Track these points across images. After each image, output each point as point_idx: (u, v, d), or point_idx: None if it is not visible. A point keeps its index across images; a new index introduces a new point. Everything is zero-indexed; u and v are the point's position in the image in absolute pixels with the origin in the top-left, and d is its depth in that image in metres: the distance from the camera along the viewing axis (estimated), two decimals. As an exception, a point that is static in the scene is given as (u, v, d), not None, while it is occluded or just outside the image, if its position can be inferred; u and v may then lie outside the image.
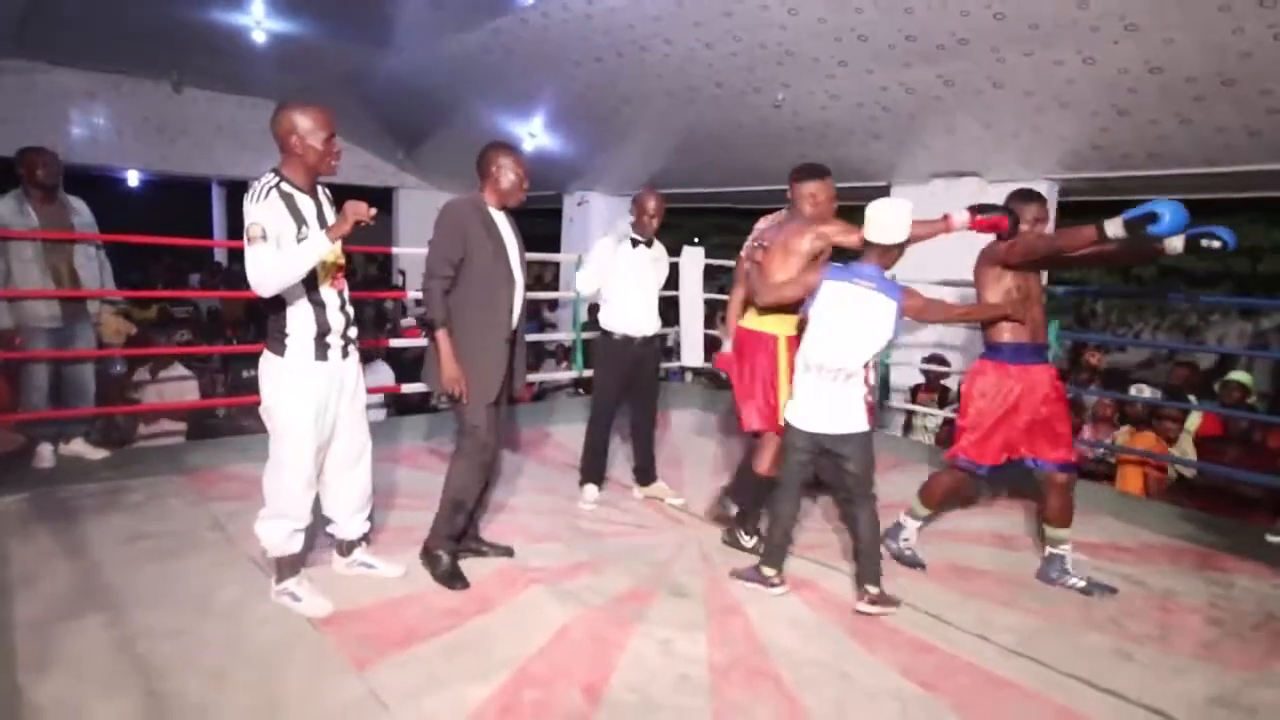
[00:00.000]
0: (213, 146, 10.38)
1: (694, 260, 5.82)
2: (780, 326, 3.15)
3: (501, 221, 2.92)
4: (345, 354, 2.64)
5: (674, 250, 4.33)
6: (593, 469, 3.83)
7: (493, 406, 2.88)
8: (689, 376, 7.09)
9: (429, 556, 2.91)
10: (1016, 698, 2.33)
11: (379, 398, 5.70)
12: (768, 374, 3.16)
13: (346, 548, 2.89)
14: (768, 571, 2.95)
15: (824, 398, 2.85)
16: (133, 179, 11.09)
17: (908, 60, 5.56)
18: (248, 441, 4.41)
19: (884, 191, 7.44)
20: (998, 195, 6.59)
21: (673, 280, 4.25)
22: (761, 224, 3.63)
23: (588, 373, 4.14)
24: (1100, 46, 4.79)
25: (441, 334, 2.77)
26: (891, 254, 2.83)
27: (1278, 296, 7.79)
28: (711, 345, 4.68)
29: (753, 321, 3.22)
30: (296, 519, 2.62)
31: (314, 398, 2.54)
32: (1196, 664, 2.54)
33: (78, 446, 4.05)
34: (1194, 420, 5.04)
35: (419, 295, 8.47)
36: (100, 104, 9.71)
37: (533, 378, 6.86)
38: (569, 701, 2.20)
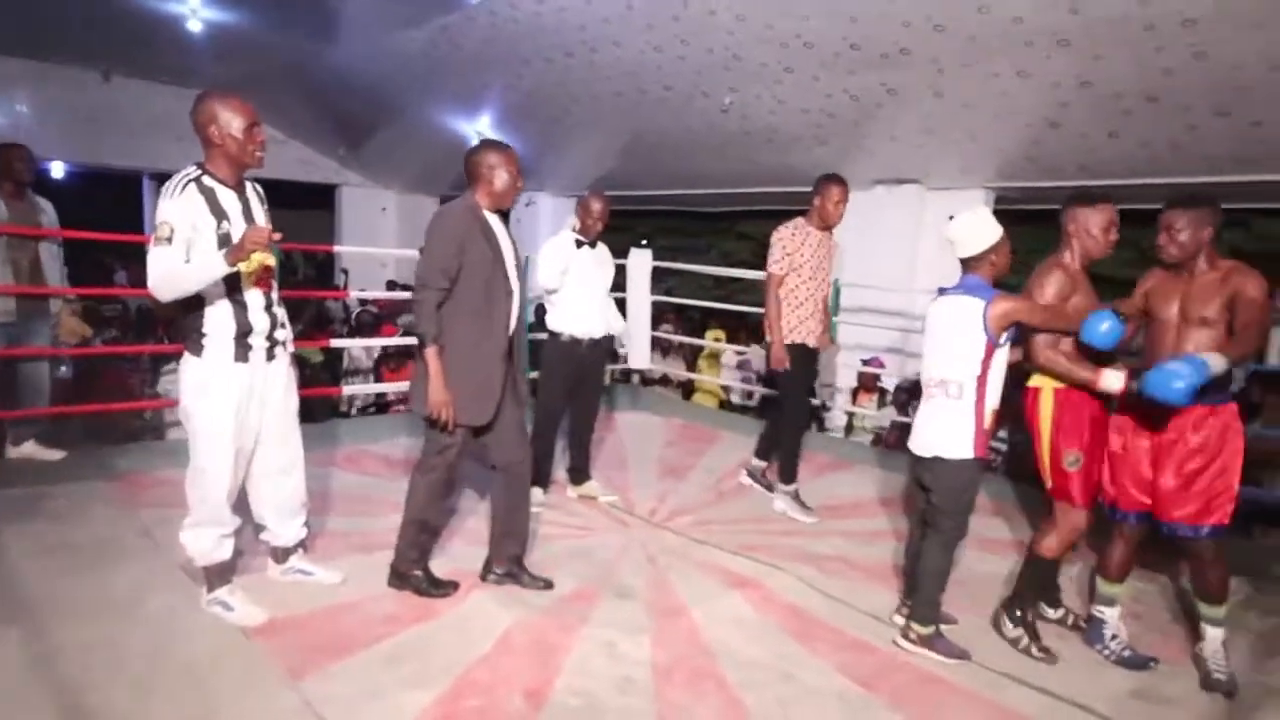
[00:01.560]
0: (145, 138, 9.98)
1: (641, 263, 5.84)
2: (1041, 378, 2.68)
3: (498, 226, 2.75)
4: (271, 356, 2.52)
5: (623, 252, 4.33)
6: (538, 472, 3.80)
7: (469, 429, 2.74)
8: (636, 379, 7.10)
9: (400, 578, 2.81)
10: (951, 695, 2.39)
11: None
12: (1033, 434, 2.72)
13: (282, 554, 2.81)
14: (923, 630, 2.62)
15: (923, 417, 2.68)
16: (57, 170, 10.60)
17: (852, 68, 5.67)
18: (178, 445, 4.24)
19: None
20: (937, 201, 6.81)
21: (620, 283, 4.25)
22: (783, 235, 3.79)
23: (534, 374, 4.10)
24: (1034, 60, 4.96)
25: (431, 351, 2.58)
26: (986, 263, 2.62)
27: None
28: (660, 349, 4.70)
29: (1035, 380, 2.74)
30: (222, 525, 2.53)
31: (234, 401, 2.44)
32: (1120, 658, 2.65)
33: (28, 449, 3.89)
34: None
35: (362, 294, 8.27)
36: (23, 91, 9.27)
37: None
38: (511, 707, 2.18)
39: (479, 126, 8.97)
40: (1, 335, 3.74)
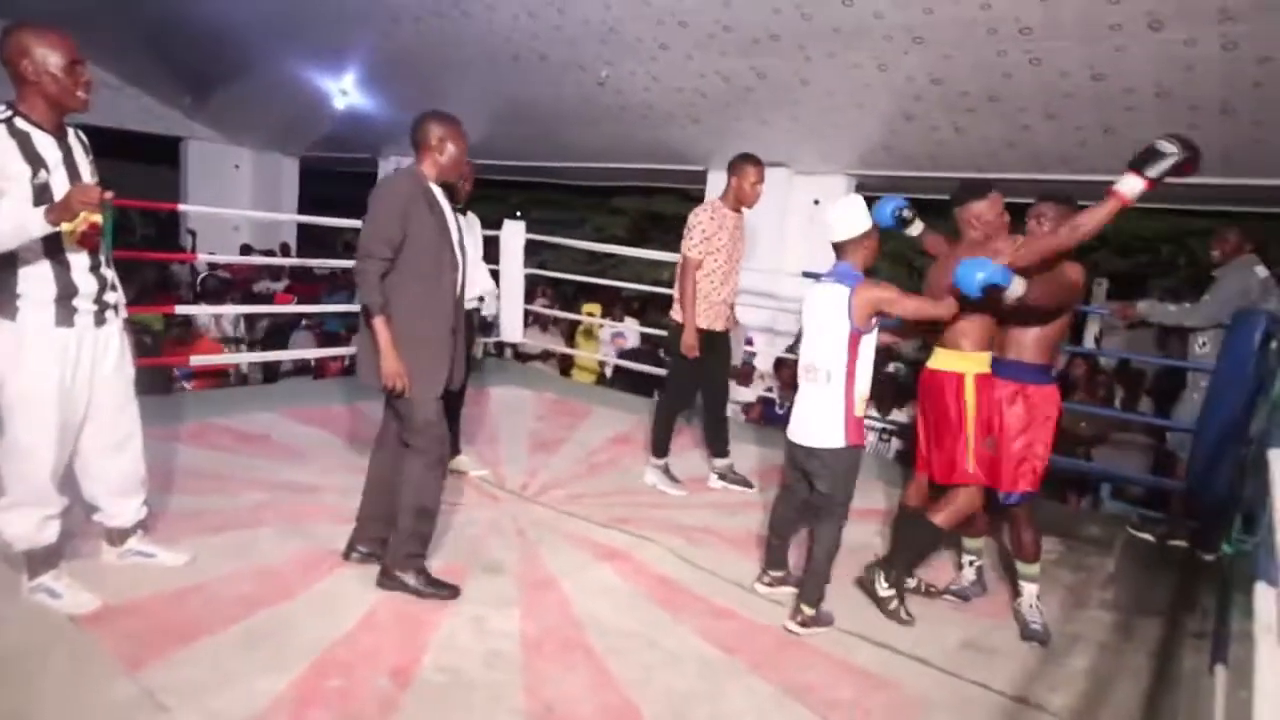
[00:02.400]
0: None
1: (515, 234, 5.76)
2: (964, 364, 2.76)
3: (443, 199, 2.66)
4: (100, 320, 2.32)
5: (495, 224, 4.25)
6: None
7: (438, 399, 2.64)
8: (508, 352, 7.02)
9: (392, 578, 2.63)
10: (807, 655, 2.54)
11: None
12: (956, 418, 2.76)
13: (118, 536, 2.60)
14: (810, 611, 2.69)
15: (801, 405, 2.75)
16: None
17: (724, 50, 5.79)
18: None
19: (702, 176, 7.72)
20: (803, 185, 7.09)
21: (492, 255, 4.17)
22: (702, 218, 3.71)
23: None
24: (892, 55, 5.24)
25: (379, 321, 2.48)
26: (858, 250, 2.68)
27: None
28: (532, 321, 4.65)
29: (937, 360, 2.83)
30: (46, 506, 2.31)
31: (56, 369, 2.23)
32: (954, 615, 2.91)
33: None
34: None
35: (211, 258, 7.75)
36: None
37: (343, 351, 6.49)
38: (375, 687, 2.13)
39: (344, 85, 8.50)
40: None
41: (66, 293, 2.23)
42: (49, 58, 2.15)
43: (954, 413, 2.76)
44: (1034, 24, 4.55)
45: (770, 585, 2.92)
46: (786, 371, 5.78)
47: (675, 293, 3.86)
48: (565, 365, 7.38)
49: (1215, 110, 4.75)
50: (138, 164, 12.14)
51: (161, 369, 5.25)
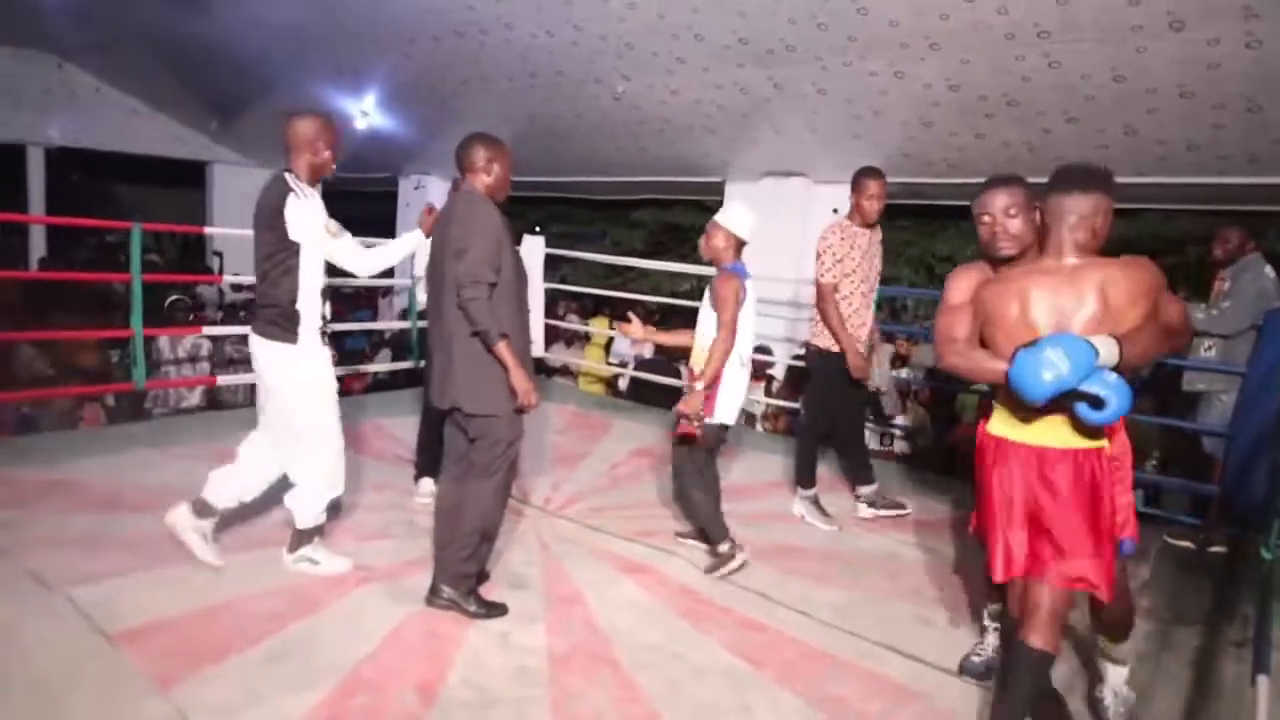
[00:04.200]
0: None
1: (534, 250, 5.80)
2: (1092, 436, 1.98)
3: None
4: (325, 341, 2.81)
5: (515, 240, 4.27)
6: (426, 462, 3.72)
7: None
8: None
9: (443, 596, 2.62)
10: (833, 667, 2.51)
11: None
12: (1088, 505, 1.97)
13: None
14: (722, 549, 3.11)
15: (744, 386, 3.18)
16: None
17: (741, 61, 5.80)
18: (24, 444, 3.92)
19: (720, 187, 7.73)
20: (823, 194, 7.07)
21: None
22: (831, 240, 3.58)
23: (423, 363, 4.00)
24: (908, 62, 5.22)
25: (503, 345, 2.49)
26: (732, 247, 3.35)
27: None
28: (551, 336, 4.66)
29: (1047, 434, 1.99)
30: (335, 488, 2.85)
31: (329, 375, 2.80)
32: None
33: None
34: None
35: (236, 279, 7.87)
36: None
37: (366, 368, 6.55)
38: (402, 703, 2.14)
39: (364, 106, 8.62)
40: None
41: (322, 320, 2.73)
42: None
43: (1084, 498, 1.96)
44: (1052, 27, 4.51)
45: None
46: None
47: (815, 316, 3.74)
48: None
49: (1241, 109, 4.67)
50: (164, 188, 12.40)
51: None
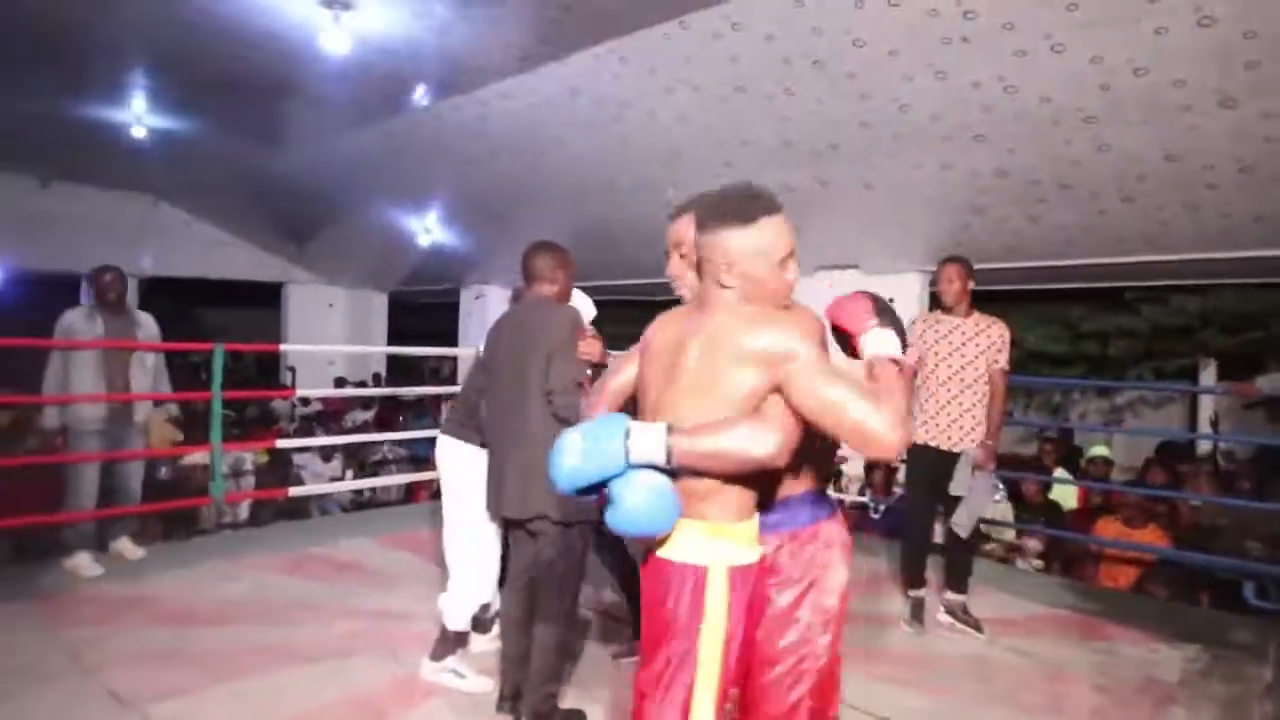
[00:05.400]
0: (81, 241, 9.85)
1: (592, 352, 5.89)
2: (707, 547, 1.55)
3: None
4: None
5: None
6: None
7: None
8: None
9: (541, 716, 2.46)
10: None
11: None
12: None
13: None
14: None
15: None
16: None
17: (785, 163, 5.96)
18: (110, 559, 4.04)
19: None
20: (876, 285, 7.06)
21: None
22: (916, 327, 3.51)
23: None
24: (954, 154, 5.29)
25: None
26: None
27: (1127, 377, 8.55)
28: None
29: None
30: (483, 594, 2.85)
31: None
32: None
33: (123, 545, 4.08)
34: (1070, 493, 5.45)
35: (307, 392, 8.10)
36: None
37: (431, 476, 6.63)
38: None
39: (427, 223, 9.09)
40: (98, 440, 4.00)
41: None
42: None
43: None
44: (1097, 112, 4.55)
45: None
46: (879, 474, 5.60)
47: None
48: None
49: (1305, 179, 4.58)
50: (243, 308, 13.14)
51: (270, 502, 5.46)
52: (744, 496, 1.48)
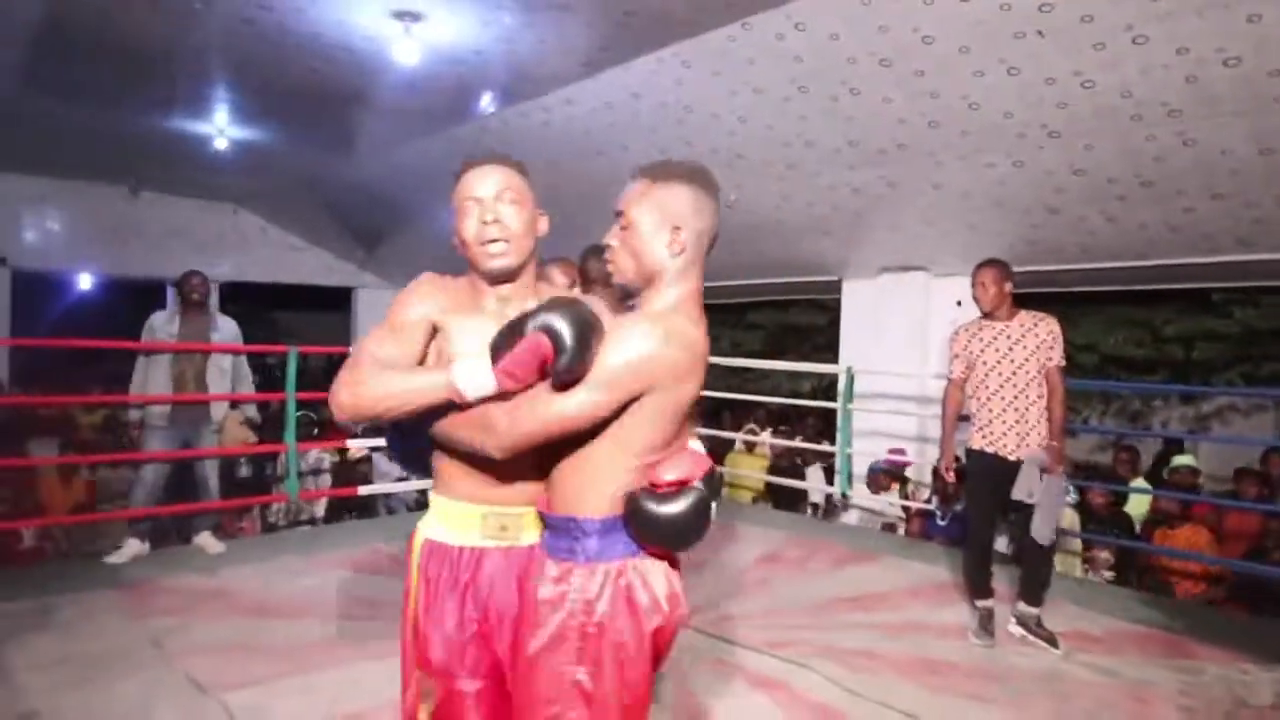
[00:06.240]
0: (167, 249, 10.35)
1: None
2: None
3: None
4: None
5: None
6: None
7: None
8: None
9: None
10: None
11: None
12: None
13: None
14: None
15: None
16: (86, 282, 10.95)
17: (852, 164, 5.86)
18: (192, 552, 4.23)
19: (837, 286, 7.70)
20: (944, 288, 6.91)
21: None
22: (959, 335, 3.52)
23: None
24: (1027, 151, 5.12)
25: None
26: None
27: (1213, 382, 8.12)
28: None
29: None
30: None
31: None
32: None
33: (204, 539, 4.26)
34: (1143, 503, 5.20)
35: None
36: (53, 208, 9.67)
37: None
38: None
39: (491, 229, 9.24)
40: (168, 438, 4.18)
41: None
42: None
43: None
44: (1182, 105, 4.33)
45: None
46: (942, 481, 5.45)
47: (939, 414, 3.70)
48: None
49: None
50: (315, 313, 13.60)
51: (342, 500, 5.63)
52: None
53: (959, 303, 6.64)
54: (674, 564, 1.46)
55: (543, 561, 1.40)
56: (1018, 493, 3.31)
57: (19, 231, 9.49)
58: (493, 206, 1.50)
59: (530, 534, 1.49)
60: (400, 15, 4.69)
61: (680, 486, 1.37)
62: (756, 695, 2.84)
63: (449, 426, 1.37)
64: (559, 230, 1.71)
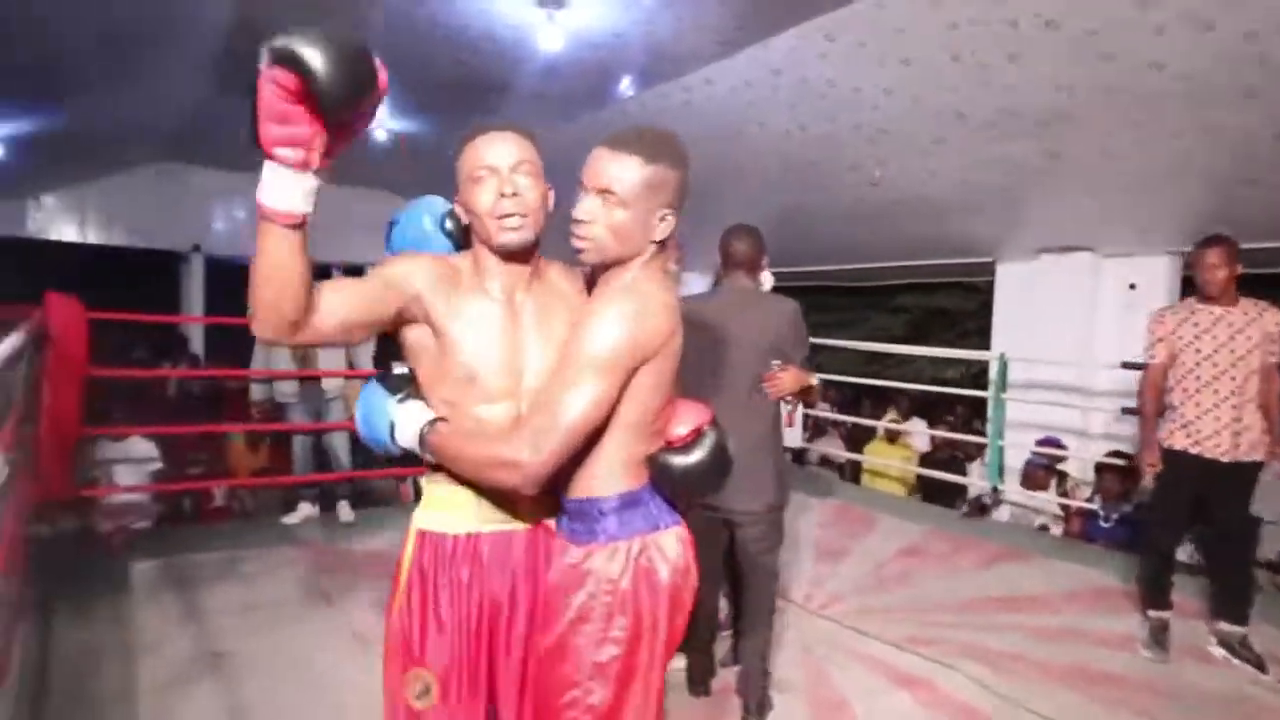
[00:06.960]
0: (338, 235, 11.16)
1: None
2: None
3: None
4: None
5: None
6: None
7: None
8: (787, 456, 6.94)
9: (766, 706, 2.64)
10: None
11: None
12: None
13: None
14: None
15: None
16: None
17: (1008, 135, 5.47)
18: (363, 518, 4.57)
19: (990, 268, 7.26)
20: (1113, 269, 6.36)
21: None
22: (1164, 316, 3.18)
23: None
24: (1220, 115, 4.59)
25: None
26: None
27: None
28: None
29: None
30: None
31: None
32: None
33: (341, 509, 4.52)
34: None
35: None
36: (241, 199, 10.65)
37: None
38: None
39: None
40: (300, 412, 4.43)
41: None
42: None
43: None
44: None
45: None
46: (1109, 478, 5.03)
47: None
48: (853, 471, 7.09)
49: None
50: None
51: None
52: None
53: (1133, 286, 6.10)
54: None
55: (564, 548, 1.39)
56: (1266, 511, 2.99)
57: (211, 222, 10.54)
58: (510, 179, 1.44)
59: (529, 515, 1.44)
60: (543, 3, 4.81)
61: (695, 435, 1.42)
62: (899, 692, 2.75)
63: (472, 474, 1.37)
64: (700, 212, 1.70)
